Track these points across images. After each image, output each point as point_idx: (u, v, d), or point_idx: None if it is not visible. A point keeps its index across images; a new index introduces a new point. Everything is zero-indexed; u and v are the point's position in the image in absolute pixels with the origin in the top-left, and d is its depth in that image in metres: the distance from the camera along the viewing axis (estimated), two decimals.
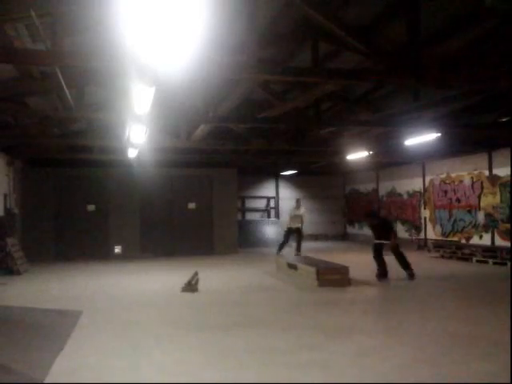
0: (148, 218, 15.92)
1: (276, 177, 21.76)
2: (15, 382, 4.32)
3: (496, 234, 13.63)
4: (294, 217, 14.96)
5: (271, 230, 19.99)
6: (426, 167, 16.95)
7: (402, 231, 18.37)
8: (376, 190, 20.17)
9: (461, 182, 15.13)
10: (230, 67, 5.49)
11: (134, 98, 6.45)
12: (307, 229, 21.93)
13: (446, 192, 15.90)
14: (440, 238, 16.01)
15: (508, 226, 12.98)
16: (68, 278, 11.08)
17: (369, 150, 13.17)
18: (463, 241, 14.81)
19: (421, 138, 10.38)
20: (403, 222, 18.35)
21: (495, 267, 12.15)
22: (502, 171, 13.32)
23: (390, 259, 10.31)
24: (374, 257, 10.40)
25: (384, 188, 19.69)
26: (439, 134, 10.06)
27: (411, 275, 10.09)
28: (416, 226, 17.57)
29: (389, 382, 4.32)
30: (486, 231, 13.99)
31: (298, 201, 15.55)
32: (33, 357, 4.98)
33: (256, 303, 8.07)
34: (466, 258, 13.42)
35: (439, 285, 9.68)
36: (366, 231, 20.82)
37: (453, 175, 15.51)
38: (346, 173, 21.70)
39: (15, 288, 9.72)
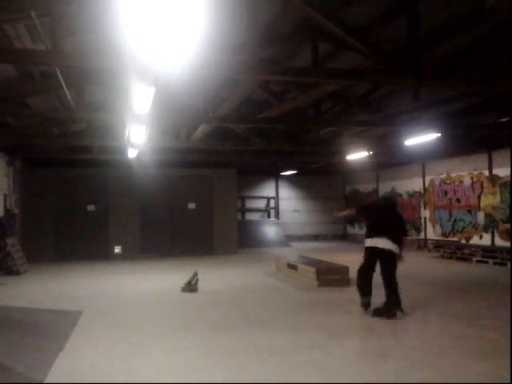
0: (148, 218, 15.90)
1: (276, 177, 21.76)
2: (15, 382, 4.31)
3: (496, 234, 13.64)
4: None
5: (271, 230, 19.98)
6: (426, 167, 16.94)
7: None
8: (376, 190, 20.16)
9: (461, 182, 15.13)
10: (230, 67, 5.49)
11: (133, 98, 6.45)
12: (307, 229, 22.20)
13: (445, 192, 15.90)
14: (440, 238, 16.01)
15: (508, 226, 12.98)
16: (68, 279, 11.08)
17: (369, 150, 13.16)
18: (463, 241, 14.80)
19: (421, 138, 10.37)
20: None
21: (495, 267, 12.15)
22: (502, 171, 13.32)
23: None
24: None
25: (384, 188, 19.67)
26: (439, 134, 10.06)
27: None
28: (416, 226, 17.56)
29: (389, 382, 4.32)
30: (486, 231, 13.99)
31: None
32: (33, 357, 4.97)
33: (256, 303, 8.07)
34: (466, 258, 13.42)
35: (439, 285, 9.67)
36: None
37: (453, 175, 15.51)
38: (346, 173, 21.70)
39: (15, 288, 9.72)
